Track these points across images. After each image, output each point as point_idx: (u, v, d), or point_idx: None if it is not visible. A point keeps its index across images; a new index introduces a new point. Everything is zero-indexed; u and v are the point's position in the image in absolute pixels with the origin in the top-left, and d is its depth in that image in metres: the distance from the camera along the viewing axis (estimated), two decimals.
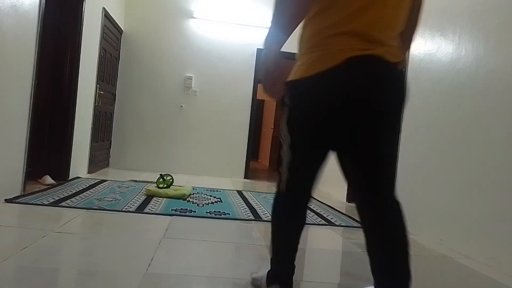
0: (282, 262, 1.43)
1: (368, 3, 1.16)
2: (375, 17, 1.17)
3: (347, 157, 1.32)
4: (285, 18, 1.25)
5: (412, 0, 1.29)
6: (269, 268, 1.46)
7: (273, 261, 1.45)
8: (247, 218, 2.87)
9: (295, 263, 1.43)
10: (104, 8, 4.43)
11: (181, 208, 2.97)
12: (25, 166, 2.94)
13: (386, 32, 1.19)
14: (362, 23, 1.16)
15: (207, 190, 4.06)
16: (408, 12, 1.28)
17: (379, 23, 1.18)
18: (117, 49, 5.26)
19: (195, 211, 2.92)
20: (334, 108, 1.19)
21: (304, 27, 1.29)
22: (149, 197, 3.33)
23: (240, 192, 4.15)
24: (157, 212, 2.80)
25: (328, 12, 1.20)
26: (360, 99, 1.18)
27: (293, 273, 1.42)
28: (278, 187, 1.38)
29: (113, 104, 5.30)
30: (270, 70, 1.24)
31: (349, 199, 4.26)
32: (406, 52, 1.40)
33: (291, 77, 1.27)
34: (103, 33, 4.49)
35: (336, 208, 3.68)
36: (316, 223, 2.93)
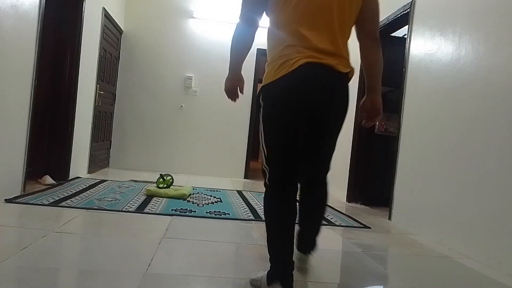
0: (280, 259, 1.48)
1: (313, 22, 1.43)
2: (322, 33, 1.43)
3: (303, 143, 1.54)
4: (237, 27, 1.56)
5: (360, 13, 1.53)
6: (269, 269, 1.50)
7: (271, 260, 1.50)
8: (247, 218, 2.87)
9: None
10: (104, 8, 4.43)
11: (181, 208, 2.97)
12: (25, 166, 2.94)
13: (332, 45, 1.44)
14: (312, 38, 1.41)
15: (207, 190, 4.06)
16: (356, 20, 1.54)
17: (326, 38, 1.43)
18: (117, 49, 5.26)
19: (195, 211, 2.92)
20: (295, 104, 1.43)
21: (268, 40, 1.55)
22: (149, 197, 3.33)
23: (240, 192, 4.15)
24: (157, 212, 2.80)
25: (283, 30, 1.46)
26: (311, 97, 1.43)
27: (292, 269, 1.47)
28: (265, 184, 1.53)
29: (113, 104, 5.30)
30: (229, 76, 1.62)
31: (349, 199, 4.26)
32: (376, 52, 1.59)
33: (263, 83, 1.50)
34: (103, 33, 4.49)
35: (336, 208, 3.68)
36: None
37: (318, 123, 1.50)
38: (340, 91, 1.51)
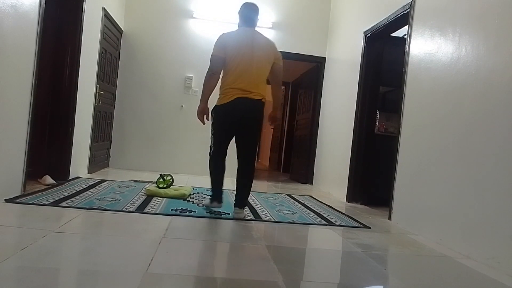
0: (216, 190, 2.95)
1: (243, 76, 2.72)
2: (247, 82, 2.73)
3: (237, 139, 2.89)
4: (208, 75, 2.81)
5: (269, 71, 2.87)
6: (210, 197, 3.01)
7: (212, 191, 2.97)
8: (247, 218, 2.87)
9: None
10: (104, 8, 4.43)
11: (181, 208, 2.97)
12: (25, 166, 2.94)
13: (252, 88, 2.73)
14: (241, 84, 2.72)
15: (207, 190, 4.05)
16: (267, 76, 2.88)
17: (249, 84, 2.73)
18: (117, 49, 5.26)
19: (195, 211, 2.92)
20: (232, 116, 2.77)
21: (220, 83, 2.83)
22: (149, 197, 3.33)
23: None
24: (157, 212, 2.80)
25: (227, 78, 2.78)
26: (242, 114, 2.75)
27: (222, 194, 2.98)
28: (210, 153, 2.93)
29: (113, 104, 5.30)
30: (201, 107, 2.87)
31: (349, 199, 4.26)
32: (277, 91, 3.04)
33: (215, 105, 2.83)
34: (103, 33, 4.49)
35: (336, 208, 3.68)
36: (316, 223, 2.93)
37: (245, 125, 2.81)
38: (254, 109, 2.78)
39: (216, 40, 2.80)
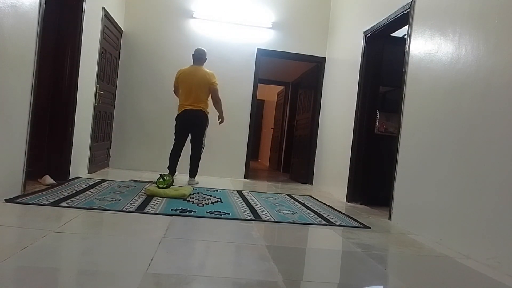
0: (172, 168, 4.54)
1: (187, 97, 4.48)
2: (190, 100, 4.47)
3: (189, 134, 4.62)
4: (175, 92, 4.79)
5: (209, 90, 4.56)
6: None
7: (169, 168, 4.52)
8: (247, 218, 2.87)
9: None
10: (104, 8, 4.43)
11: (181, 208, 2.97)
12: (25, 166, 2.94)
13: (195, 103, 4.47)
14: (187, 102, 4.49)
15: (207, 190, 4.06)
16: (207, 94, 4.58)
17: (192, 102, 4.47)
18: (117, 49, 5.26)
19: (195, 211, 2.92)
20: (182, 122, 4.55)
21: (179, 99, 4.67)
22: (149, 197, 3.33)
23: (240, 192, 4.15)
24: (157, 212, 2.80)
25: (179, 97, 4.62)
26: (187, 120, 4.53)
27: (175, 171, 4.56)
28: (173, 145, 4.61)
29: (113, 104, 5.30)
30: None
31: (349, 199, 4.26)
32: (216, 103, 4.63)
33: (176, 114, 4.61)
34: (103, 33, 4.49)
35: (336, 208, 3.68)
36: (316, 223, 2.93)
37: (193, 127, 4.54)
38: (197, 116, 4.47)
39: (175, 73, 4.60)
